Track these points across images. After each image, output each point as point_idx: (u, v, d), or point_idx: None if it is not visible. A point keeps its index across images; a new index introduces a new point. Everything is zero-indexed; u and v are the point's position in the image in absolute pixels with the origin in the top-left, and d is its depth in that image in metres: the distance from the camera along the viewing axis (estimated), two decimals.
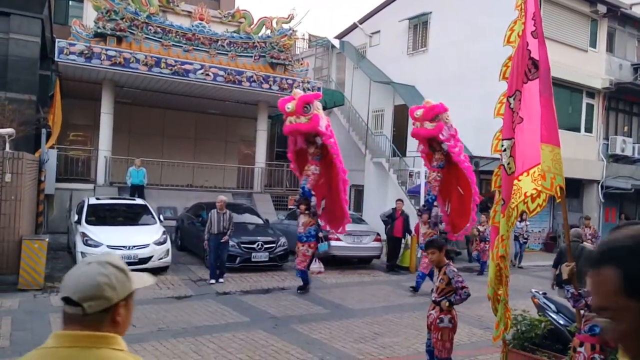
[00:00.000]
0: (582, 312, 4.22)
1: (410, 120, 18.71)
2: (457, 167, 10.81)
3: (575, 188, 17.84)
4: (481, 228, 13.32)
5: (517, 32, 4.59)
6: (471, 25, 16.82)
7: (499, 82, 4.96)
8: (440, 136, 10.57)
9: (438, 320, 4.92)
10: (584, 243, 8.56)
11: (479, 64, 15.87)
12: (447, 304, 4.87)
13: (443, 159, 10.77)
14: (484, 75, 14.23)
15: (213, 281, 10.03)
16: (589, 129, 18.25)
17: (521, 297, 8.32)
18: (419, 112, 10.70)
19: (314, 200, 10.02)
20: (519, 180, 4.30)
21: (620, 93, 18.58)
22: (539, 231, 18.55)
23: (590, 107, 18.33)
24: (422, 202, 13.58)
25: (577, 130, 17.87)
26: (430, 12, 18.88)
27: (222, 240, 10.07)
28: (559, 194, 4.22)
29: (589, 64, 17.71)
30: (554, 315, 6.11)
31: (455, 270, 4.96)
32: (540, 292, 6.68)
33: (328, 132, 9.92)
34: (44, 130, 12.29)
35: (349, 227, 13.23)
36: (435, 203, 10.83)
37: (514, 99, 4.45)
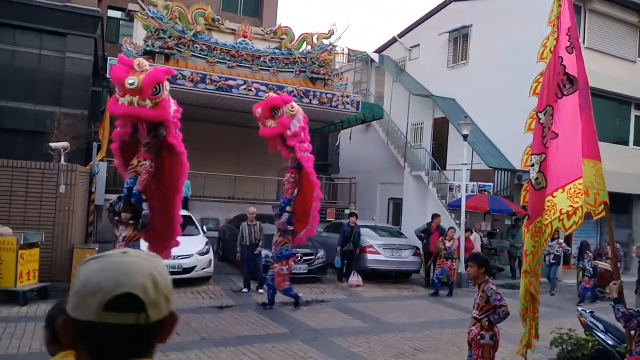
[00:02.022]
0: (632, 332, 4.09)
1: (450, 133, 18.75)
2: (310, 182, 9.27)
3: (623, 203, 17.14)
4: (448, 244, 11.93)
5: (549, 48, 4.57)
6: (512, 38, 16.59)
7: (532, 97, 4.95)
8: (288, 132, 9.24)
9: (479, 337, 4.87)
10: None
11: (519, 77, 15.54)
12: (487, 323, 4.83)
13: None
14: (525, 89, 13.92)
15: (246, 290, 10.27)
16: (638, 142, 17.56)
17: (567, 315, 8.09)
18: (259, 112, 9.50)
19: (145, 207, 7.27)
20: (554, 197, 4.25)
21: None
22: None
23: (639, 120, 17.66)
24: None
25: (626, 143, 17.22)
26: (471, 25, 18.74)
27: (255, 252, 10.33)
28: (598, 211, 4.15)
29: (638, 75, 17.11)
30: (602, 335, 5.92)
31: (494, 288, 4.91)
32: (588, 311, 6.49)
33: (175, 119, 7.54)
34: (95, 144, 12.93)
35: (388, 240, 13.24)
36: (289, 208, 9.33)
37: (544, 115, 4.42)
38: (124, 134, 7.32)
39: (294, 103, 9.60)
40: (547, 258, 12.79)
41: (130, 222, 7.29)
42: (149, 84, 6.63)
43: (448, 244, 11.89)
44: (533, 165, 4.49)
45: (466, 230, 13.23)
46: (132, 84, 6.50)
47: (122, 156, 7.67)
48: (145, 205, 7.26)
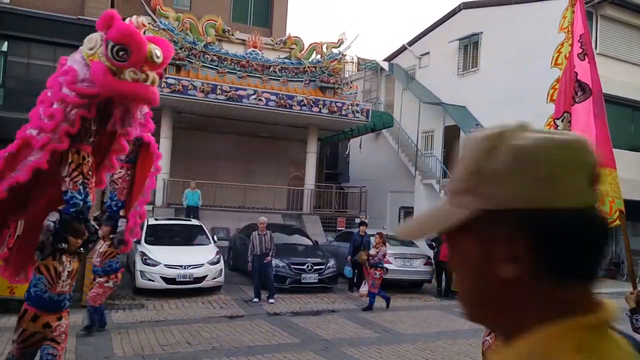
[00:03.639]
0: None
1: (461, 141, 18.52)
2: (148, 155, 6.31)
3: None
4: (372, 251, 10.64)
5: (564, 54, 4.54)
6: (523, 44, 16.53)
7: (549, 103, 4.89)
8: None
9: (494, 347, 4.80)
10: None
11: (531, 83, 15.50)
12: None
13: (136, 149, 6.30)
14: (537, 95, 13.82)
15: (257, 299, 10.24)
16: None
17: None
18: None
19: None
20: None
21: None
22: None
23: None
24: None
25: None
26: (481, 32, 18.71)
27: (265, 261, 10.31)
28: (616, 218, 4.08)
29: None
30: None
31: None
32: None
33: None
34: None
35: (399, 249, 13.14)
36: (122, 212, 6.80)
37: (561, 121, 4.39)
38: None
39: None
40: None
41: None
42: (168, 59, 4.54)
43: (372, 252, 10.62)
44: None
45: None
46: (159, 57, 4.26)
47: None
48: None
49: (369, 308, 10.22)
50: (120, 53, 4.03)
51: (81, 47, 4.33)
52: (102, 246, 7.11)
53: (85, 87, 4.18)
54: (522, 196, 0.65)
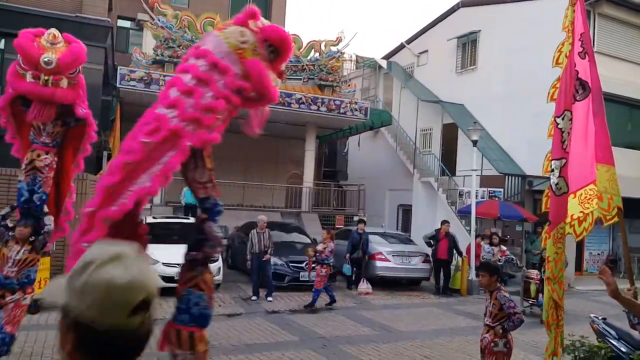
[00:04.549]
0: None
1: (460, 139, 18.68)
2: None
3: (637, 208, 16.92)
4: (320, 247, 10.40)
5: (564, 54, 4.55)
6: (520, 43, 16.54)
7: (550, 103, 4.91)
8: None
9: (492, 344, 4.81)
10: None
11: (529, 82, 15.53)
12: (501, 331, 4.77)
13: (62, 131, 5.53)
14: (535, 94, 13.88)
15: (255, 297, 10.25)
16: None
17: (579, 322, 7.98)
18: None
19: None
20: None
21: None
22: (598, 254, 17.67)
23: None
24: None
25: (638, 148, 17.01)
26: (480, 31, 18.71)
27: (263, 259, 10.31)
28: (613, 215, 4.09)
29: None
30: (615, 342, 5.82)
31: (507, 295, 4.86)
32: (600, 318, 6.39)
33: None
34: (105, 153, 13.04)
35: (397, 247, 13.15)
36: (46, 208, 5.50)
37: (562, 119, 4.40)
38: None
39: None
40: None
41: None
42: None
43: (320, 247, 10.38)
44: (553, 171, 4.46)
45: (476, 237, 13.12)
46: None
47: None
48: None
49: (311, 305, 9.94)
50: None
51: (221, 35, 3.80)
52: (18, 252, 5.35)
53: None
54: (79, 310, 0.99)
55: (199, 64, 3.62)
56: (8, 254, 5.37)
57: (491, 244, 11.09)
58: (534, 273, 10.85)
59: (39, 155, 5.23)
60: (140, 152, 3.17)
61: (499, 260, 11.97)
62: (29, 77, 4.96)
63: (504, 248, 11.91)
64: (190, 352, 3.73)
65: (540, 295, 9.86)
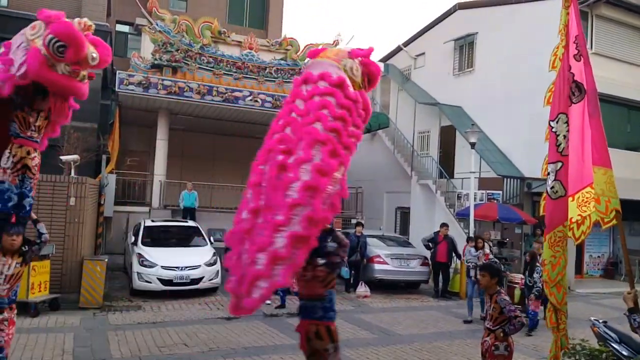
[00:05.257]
0: None
1: (457, 141, 18.69)
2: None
3: (637, 210, 16.94)
4: None
5: (559, 57, 4.57)
6: (517, 45, 16.58)
7: (546, 106, 4.92)
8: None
9: (493, 348, 4.79)
10: None
11: (527, 84, 15.57)
12: (501, 334, 4.76)
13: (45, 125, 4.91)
14: (533, 96, 13.93)
15: None
16: None
17: (580, 325, 7.98)
18: None
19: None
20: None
21: None
22: (599, 256, 17.69)
23: None
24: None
25: (637, 149, 17.05)
26: (477, 33, 18.76)
27: None
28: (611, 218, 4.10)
29: None
30: (616, 346, 5.81)
31: (507, 298, 4.85)
32: (601, 321, 6.39)
33: None
34: (104, 156, 13.04)
35: (396, 249, 13.14)
36: (34, 215, 5.10)
37: (556, 122, 4.41)
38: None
39: None
40: (472, 272, 10.49)
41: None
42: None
43: None
44: (549, 174, 4.48)
45: (467, 240, 12.99)
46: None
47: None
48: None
49: (281, 307, 10.07)
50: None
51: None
52: (9, 266, 4.77)
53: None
54: None
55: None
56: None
57: (476, 247, 11.06)
58: (517, 277, 10.78)
59: (29, 153, 4.54)
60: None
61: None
62: (62, 69, 4.33)
63: (487, 251, 11.85)
64: (336, 344, 4.66)
65: (526, 300, 9.76)
